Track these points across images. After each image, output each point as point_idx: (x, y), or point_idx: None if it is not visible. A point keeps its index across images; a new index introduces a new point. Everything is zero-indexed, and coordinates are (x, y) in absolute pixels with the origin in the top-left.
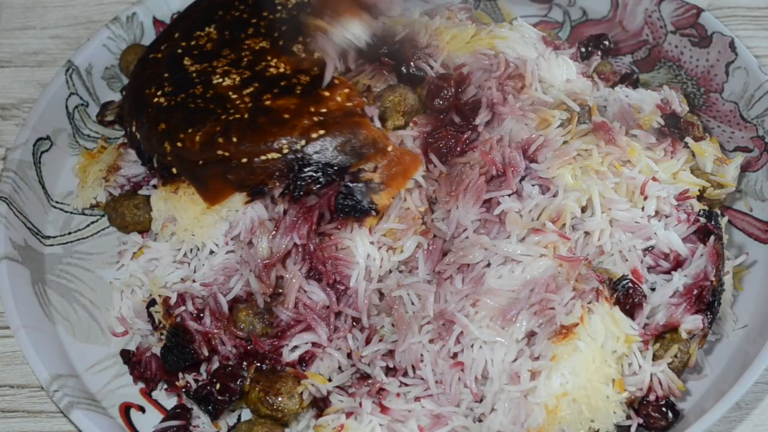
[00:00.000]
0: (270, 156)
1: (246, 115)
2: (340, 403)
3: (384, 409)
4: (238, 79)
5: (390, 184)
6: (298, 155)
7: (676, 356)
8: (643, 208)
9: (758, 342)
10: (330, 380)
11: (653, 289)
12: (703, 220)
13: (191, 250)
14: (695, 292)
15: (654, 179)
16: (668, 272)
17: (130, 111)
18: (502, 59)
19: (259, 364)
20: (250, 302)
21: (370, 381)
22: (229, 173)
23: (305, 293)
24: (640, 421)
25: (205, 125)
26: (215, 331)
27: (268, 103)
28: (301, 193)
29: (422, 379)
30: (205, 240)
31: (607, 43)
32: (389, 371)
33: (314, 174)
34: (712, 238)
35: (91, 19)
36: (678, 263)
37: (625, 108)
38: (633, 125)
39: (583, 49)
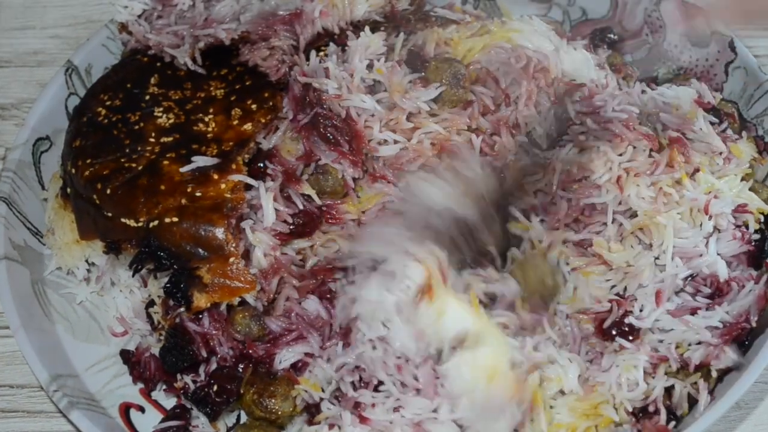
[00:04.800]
0: (127, 222)
1: (140, 168)
2: (328, 410)
3: (363, 420)
4: (171, 121)
5: (214, 292)
6: (148, 232)
7: (694, 384)
8: (701, 225)
9: (758, 341)
10: (323, 390)
11: (669, 311)
12: (756, 236)
13: None
14: (734, 333)
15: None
16: (707, 296)
17: (77, 107)
18: (521, 53)
19: (255, 367)
20: (248, 305)
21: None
22: (97, 219)
23: (298, 303)
24: (639, 428)
25: (102, 162)
26: (214, 332)
27: (165, 162)
28: (140, 268)
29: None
30: (72, 267)
31: (612, 35)
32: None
33: (155, 254)
34: (766, 277)
35: (91, 19)
36: (718, 288)
37: (662, 108)
38: (675, 126)
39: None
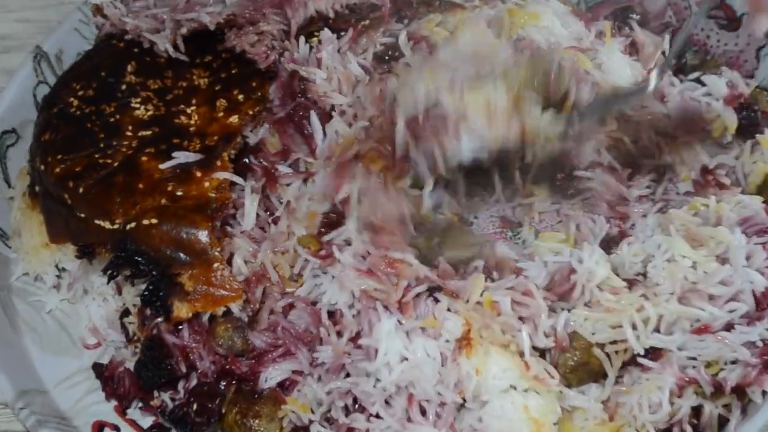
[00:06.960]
0: (102, 223)
1: (115, 164)
2: None
3: None
4: (149, 113)
5: (196, 300)
6: (124, 235)
7: (726, 405)
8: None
9: None
10: (313, 411)
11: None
12: None
13: None
14: None
15: None
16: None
17: (47, 97)
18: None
19: (239, 384)
20: (231, 315)
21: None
22: (69, 220)
23: (284, 316)
24: None
25: (74, 158)
26: (194, 345)
27: (143, 158)
28: (115, 274)
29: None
30: (40, 273)
31: (634, 15)
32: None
33: (132, 259)
34: None
35: (62, 1)
36: (757, 301)
37: (689, 105)
38: (698, 129)
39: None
